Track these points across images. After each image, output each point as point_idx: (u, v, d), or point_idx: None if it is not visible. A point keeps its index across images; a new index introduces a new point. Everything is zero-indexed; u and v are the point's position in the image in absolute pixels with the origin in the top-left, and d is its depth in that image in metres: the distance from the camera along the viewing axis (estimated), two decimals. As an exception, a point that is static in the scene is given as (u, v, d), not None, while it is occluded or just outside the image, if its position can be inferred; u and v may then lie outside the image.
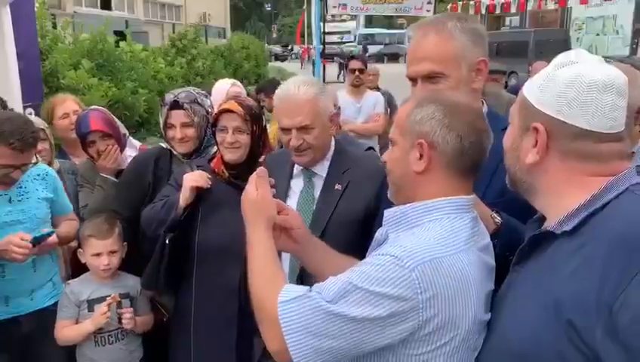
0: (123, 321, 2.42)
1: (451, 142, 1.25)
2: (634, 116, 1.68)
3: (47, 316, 2.49)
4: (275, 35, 63.59)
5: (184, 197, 2.23)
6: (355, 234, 1.91)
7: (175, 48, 12.27)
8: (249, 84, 20.30)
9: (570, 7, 20.60)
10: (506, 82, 19.88)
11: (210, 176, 2.29)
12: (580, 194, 1.10)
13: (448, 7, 24.04)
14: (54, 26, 8.98)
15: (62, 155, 3.28)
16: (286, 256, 2.00)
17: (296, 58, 41.58)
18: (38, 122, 2.89)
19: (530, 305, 1.10)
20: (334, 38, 45.72)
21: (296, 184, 2.14)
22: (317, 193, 2.09)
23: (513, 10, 20.05)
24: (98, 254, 2.43)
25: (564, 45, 18.27)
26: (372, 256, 1.22)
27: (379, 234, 1.38)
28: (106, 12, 27.55)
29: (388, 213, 1.33)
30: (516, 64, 16.91)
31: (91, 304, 2.43)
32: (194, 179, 2.25)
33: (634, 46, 20.89)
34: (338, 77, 24.39)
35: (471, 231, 1.26)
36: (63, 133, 3.23)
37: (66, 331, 2.43)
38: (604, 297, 0.97)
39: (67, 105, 3.25)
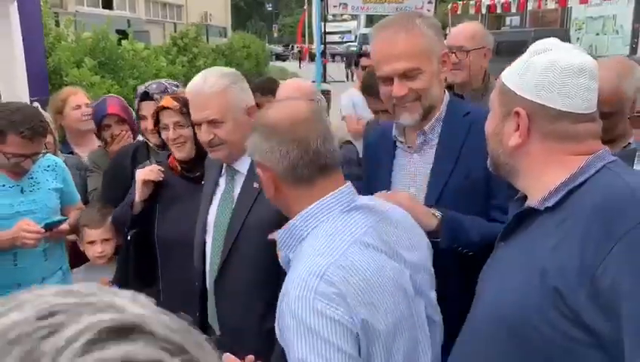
0: None
1: (280, 161, 1.26)
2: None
3: None
4: (276, 35, 63.64)
5: (138, 193, 2.26)
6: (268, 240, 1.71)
7: (176, 47, 12.35)
8: (250, 82, 20.34)
9: (571, 7, 20.62)
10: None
11: (162, 170, 2.28)
12: (560, 173, 1.16)
13: (449, 6, 24.10)
14: (57, 24, 9.06)
15: (65, 148, 3.33)
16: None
17: (301, 59, 41.55)
18: (44, 115, 2.97)
19: (517, 273, 1.16)
20: (335, 38, 45.76)
21: (223, 182, 2.03)
22: (236, 192, 1.95)
23: (513, 9, 20.11)
24: (92, 242, 2.55)
25: (564, 45, 18.32)
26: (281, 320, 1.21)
27: (281, 260, 1.39)
28: (107, 11, 27.61)
29: (279, 235, 1.35)
30: (516, 63, 16.97)
31: None
32: (145, 173, 2.26)
33: (634, 45, 20.93)
34: (348, 77, 24.15)
35: (350, 227, 1.27)
36: (75, 123, 3.28)
37: None
38: (585, 265, 1.04)
39: (79, 97, 3.31)
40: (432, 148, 1.76)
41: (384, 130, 1.94)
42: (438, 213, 1.58)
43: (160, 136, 2.52)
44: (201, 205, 2.07)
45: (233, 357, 1.35)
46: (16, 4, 3.42)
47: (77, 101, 3.27)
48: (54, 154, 2.90)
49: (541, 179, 1.20)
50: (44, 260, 2.53)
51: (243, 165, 1.95)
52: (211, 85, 1.87)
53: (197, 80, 1.92)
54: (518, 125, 1.19)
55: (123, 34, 10.32)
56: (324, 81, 16.58)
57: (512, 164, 1.24)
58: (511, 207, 1.34)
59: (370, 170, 1.96)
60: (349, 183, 1.35)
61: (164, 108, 2.23)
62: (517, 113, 1.18)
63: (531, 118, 1.17)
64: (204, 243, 2.01)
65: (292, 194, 1.31)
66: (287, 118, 1.30)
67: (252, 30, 43.03)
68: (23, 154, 2.32)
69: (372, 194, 1.74)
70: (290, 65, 35.54)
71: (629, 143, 2.23)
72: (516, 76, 1.20)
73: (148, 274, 2.35)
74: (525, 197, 1.28)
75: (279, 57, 43.35)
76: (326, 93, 12.87)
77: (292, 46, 44.69)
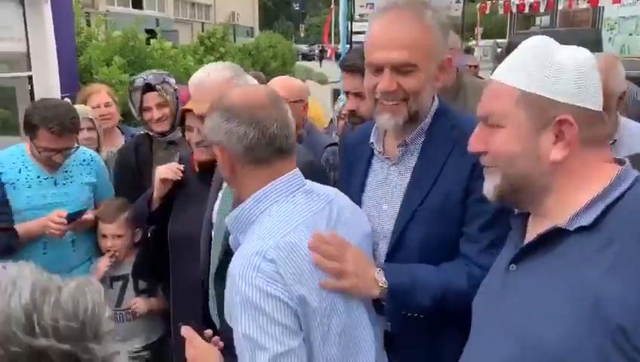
0: (133, 307, 2.59)
1: (239, 143, 1.30)
2: (616, 102, 1.66)
3: None
4: (302, 35, 63.83)
5: (156, 189, 2.27)
6: None
7: (204, 46, 12.52)
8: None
9: (603, 7, 20.22)
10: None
11: (182, 169, 2.28)
12: (591, 186, 1.03)
13: (477, 6, 23.83)
14: (88, 24, 9.30)
15: None
16: None
17: (322, 58, 41.43)
18: (88, 112, 3.06)
19: (558, 303, 0.99)
20: (362, 38, 45.61)
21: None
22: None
23: (542, 9, 19.82)
24: (105, 236, 2.61)
25: (596, 45, 17.94)
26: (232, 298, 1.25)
27: (231, 242, 1.44)
28: (137, 11, 28.10)
29: (229, 218, 1.39)
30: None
31: (111, 281, 2.62)
32: (164, 171, 2.26)
33: (668, 46, 20.41)
34: None
35: (298, 210, 1.32)
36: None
37: None
38: None
39: (101, 96, 3.37)
40: (412, 161, 1.56)
41: (365, 132, 1.71)
42: (383, 282, 1.40)
43: (161, 122, 2.66)
44: (209, 200, 2.10)
45: (192, 331, 1.41)
46: (49, 4, 3.55)
47: (97, 100, 3.34)
48: (97, 149, 3.01)
49: (571, 195, 1.05)
50: (72, 251, 2.61)
51: None
52: (214, 78, 1.89)
53: (200, 74, 1.94)
54: (557, 136, 1.04)
55: (152, 33, 10.51)
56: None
57: (548, 182, 1.07)
58: (513, 223, 1.19)
59: (344, 177, 1.82)
60: (297, 168, 1.39)
61: (190, 110, 2.20)
62: (562, 122, 1.03)
63: (577, 124, 1.03)
64: (210, 238, 2.03)
65: (248, 175, 1.34)
66: (247, 101, 1.33)
67: (279, 30, 43.24)
68: (54, 148, 2.42)
69: None
70: (316, 64, 35.62)
71: (615, 140, 2.19)
72: (545, 80, 1.05)
73: (162, 269, 2.39)
74: (528, 214, 1.15)
75: (305, 57, 43.47)
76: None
77: (320, 46, 44.70)
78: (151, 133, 2.71)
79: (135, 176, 2.73)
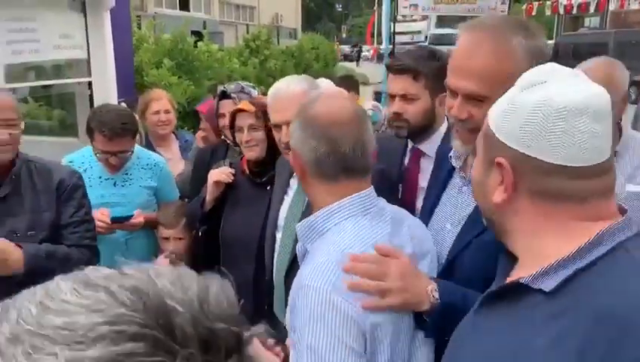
0: None
1: (309, 154, 1.32)
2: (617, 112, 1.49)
3: None
4: (345, 35, 63.88)
5: (209, 192, 2.39)
6: None
7: (249, 49, 12.73)
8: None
9: (656, 7, 19.51)
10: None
11: (234, 172, 2.39)
12: (561, 243, 0.92)
13: (523, 7, 23.34)
14: (139, 27, 9.61)
15: (148, 147, 3.53)
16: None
17: (359, 58, 41.26)
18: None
19: (502, 359, 0.94)
20: (405, 39, 45.37)
21: (295, 183, 2.08)
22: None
23: (591, 10, 19.28)
24: (166, 238, 2.73)
25: (648, 47, 17.45)
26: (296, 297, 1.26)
27: (298, 249, 1.45)
28: (184, 13, 28.73)
29: (299, 226, 1.40)
30: (594, 66, 16.31)
31: None
32: (216, 174, 2.38)
33: None
34: None
35: (371, 229, 1.31)
36: (152, 127, 3.53)
37: None
38: None
39: (161, 103, 3.50)
40: None
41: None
42: (436, 299, 1.33)
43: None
44: (272, 202, 2.20)
45: None
46: (109, 12, 3.73)
47: (157, 107, 3.48)
48: None
49: (535, 246, 0.96)
50: (125, 250, 2.74)
51: None
52: (292, 89, 1.99)
53: (279, 84, 2.05)
54: (503, 178, 0.96)
55: (198, 35, 10.76)
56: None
57: (499, 221, 1.02)
58: (500, 261, 1.09)
59: (428, 185, 1.88)
60: (372, 187, 1.38)
61: (240, 110, 2.36)
62: (499, 164, 0.95)
63: (517, 171, 0.94)
64: (274, 239, 2.12)
65: (316, 186, 1.36)
66: (326, 115, 1.32)
67: (321, 31, 43.42)
68: (108, 151, 2.56)
69: (421, 215, 1.74)
70: (362, 65, 35.58)
71: (616, 151, 2.07)
72: (500, 117, 0.97)
73: (210, 268, 2.50)
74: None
75: (347, 57, 43.49)
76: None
77: (360, 47, 44.63)
78: (227, 141, 2.83)
79: (204, 176, 2.85)
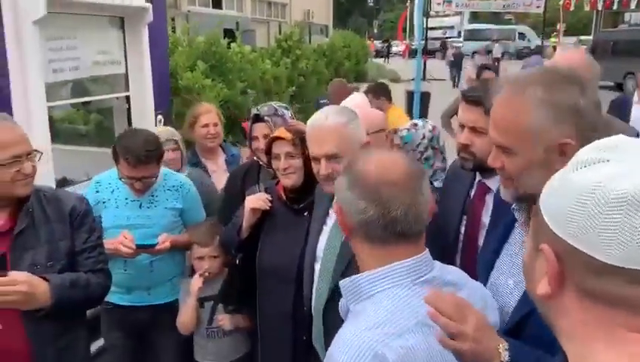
0: (219, 323, 2.69)
1: (356, 215, 1.22)
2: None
3: (162, 311, 2.80)
4: (376, 31, 63.50)
5: (245, 219, 2.36)
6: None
7: (281, 49, 12.76)
8: (348, 82, 20.57)
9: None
10: (621, 84, 18.52)
11: (270, 199, 2.36)
12: (612, 357, 0.77)
13: (560, 2, 22.81)
14: (173, 30, 9.72)
15: (194, 158, 3.63)
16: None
17: (389, 55, 40.83)
18: (174, 134, 3.25)
19: None
20: (437, 34, 44.87)
21: (333, 216, 2.06)
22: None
23: (633, 5, 18.72)
24: (201, 258, 2.70)
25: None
26: None
27: (341, 304, 1.38)
28: (216, 11, 28.98)
29: (343, 284, 1.32)
30: (635, 64, 15.84)
31: (201, 301, 2.70)
32: (254, 201, 2.35)
33: None
34: (455, 82, 21.71)
35: (417, 304, 1.19)
36: (201, 139, 3.58)
37: (180, 316, 2.71)
38: None
39: (210, 116, 3.56)
40: None
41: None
42: (506, 358, 1.25)
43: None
44: (311, 232, 2.19)
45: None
46: (147, 28, 3.77)
47: (206, 120, 3.53)
48: (180, 169, 3.18)
49: (586, 356, 0.80)
50: (149, 271, 2.76)
51: None
52: (332, 122, 1.98)
53: (318, 116, 2.04)
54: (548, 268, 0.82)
55: (231, 34, 10.82)
56: (424, 78, 16.25)
57: (546, 315, 0.86)
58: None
59: (487, 231, 1.85)
60: (425, 251, 1.27)
61: (277, 138, 2.34)
62: (543, 251, 0.81)
63: (564, 263, 0.78)
64: (313, 269, 2.12)
65: (362, 247, 1.27)
66: (376, 175, 1.22)
67: (352, 27, 43.25)
68: (132, 176, 2.59)
69: (480, 260, 1.68)
70: (392, 61, 35.35)
71: None
72: (547, 196, 0.83)
73: (247, 295, 2.49)
74: None
75: (378, 54, 43.25)
76: (426, 96, 12.72)
77: (389, 43, 44.26)
78: (260, 162, 2.83)
79: (239, 201, 2.80)
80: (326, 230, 2.11)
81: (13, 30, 2.86)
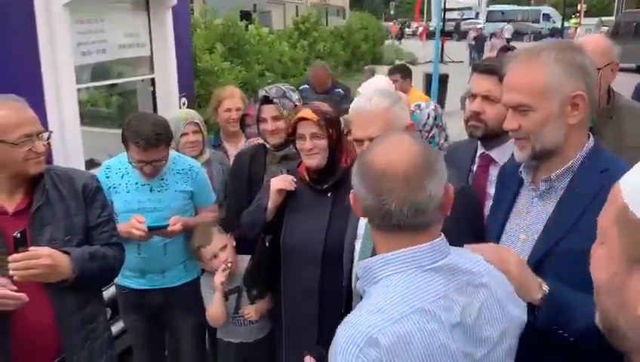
0: (246, 317, 2.68)
1: (360, 201, 1.24)
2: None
3: (176, 293, 2.84)
4: (392, 12, 62.79)
5: (271, 200, 2.37)
6: None
7: (298, 31, 12.72)
8: (365, 64, 20.49)
9: None
10: (642, 67, 18.14)
11: (295, 180, 2.38)
12: None
13: (582, -18, 22.32)
14: (191, 11, 9.74)
15: (216, 140, 3.69)
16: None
17: (402, 37, 40.29)
18: (195, 116, 3.25)
19: None
20: (454, 15, 44.27)
21: None
22: None
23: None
24: (214, 256, 2.66)
25: None
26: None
27: (358, 286, 1.36)
28: (232, -8, 28.75)
29: (359, 266, 1.31)
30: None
31: (227, 294, 2.67)
32: (280, 183, 2.37)
33: None
34: (471, 61, 21.63)
35: (423, 290, 1.17)
36: (223, 123, 3.62)
37: (210, 310, 2.67)
38: None
39: (234, 101, 3.58)
40: (556, 198, 1.58)
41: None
42: (545, 288, 1.39)
43: (275, 134, 2.70)
44: (352, 212, 2.20)
45: None
46: (171, 11, 3.80)
47: (229, 105, 3.56)
48: (201, 152, 3.20)
49: None
50: (163, 254, 2.79)
51: None
52: (375, 105, 1.99)
53: (361, 100, 2.05)
54: None
55: (247, 16, 10.80)
56: (442, 61, 16.08)
57: (636, 336, 0.76)
58: None
59: (494, 202, 1.89)
60: (437, 239, 1.23)
61: (302, 119, 2.33)
62: None
63: None
64: (353, 247, 2.13)
65: (374, 233, 1.27)
66: (379, 165, 1.20)
67: (369, 8, 42.79)
68: (142, 160, 2.61)
69: (488, 228, 1.75)
70: (405, 43, 35.00)
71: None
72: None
73: (272, 277, 2.51)
74: None
75: (396, 36, 42.80)
76: (444, 78, 12.59)
77: (408, 23, 43.77)
78: (267, 145, 2.85)
79: (246, 184, 2.86)
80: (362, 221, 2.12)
81: (45, 12, 2.90)
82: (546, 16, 38.14)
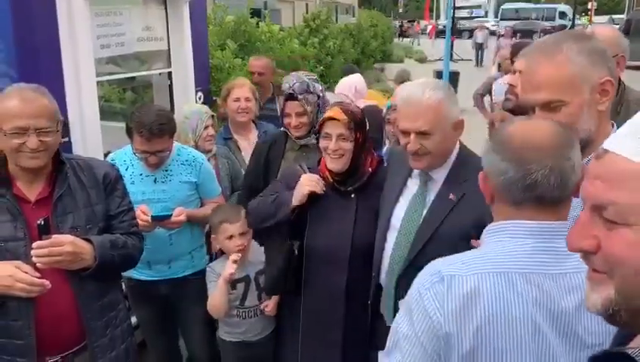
0: (266, 311, 2.67)
1: (497, 177, 1.23)
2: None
3: (183, 284, 2.87)
4: (401, 10, 62.58)
5: (297, 199, 2.27)
6: (461, 249, 1.57)
7: (309, 28, 12.71)
8: (375, 61, 20.46)
9: None
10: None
11: (324, 183, 2.30)
12: None
13: (593, -20, 22.14)
14: (203, 9, 9.76)
15: (226, 132, 3.66)
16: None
17: (402, 34, 40.01)
18: (208, 111, 3.27)
19: None
20: (464, 13, 44.06)
21: (413, 184, 2.11)
22: (429, 198, 2.04)
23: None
24: (231, 237, 2.64)
25: None
26: None
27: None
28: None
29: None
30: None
31: (235, 283, 2.67)
32: (310, 183, 2.26)
33: None
34: (479, 61, 21.65)
35: (528, 256, 1.18)
36: (232, 113, 3.61)
37: (211, 299, 2.66)
38: None
39: (243, 90, 3.57)
40: None
41: None
42: None
43: (298, 129, 2.71)
44: (383, 202, 2.17)
45: None
46: (187, 5, 3.81)
47: (238, 94, 3.55)
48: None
49: None
50: (169, 244, 2.80)
51: (440, 174, 2.03)
52: (428, 97, 1.93)
53: (413, 89, 1.99)
54: None
55: (257, 14, 10.80)
56: (451, 58, 16.03)
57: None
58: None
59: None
60: (563, 222, 1.23)
61: (331, 118, 2.25)
62: None
63: None
64: (385, 237, 2.12)
65: (501, 212, 1.27)
66: (522, 138, 1.22)
67: (377, 6, 42.68)
68: (146, 150, 2.64)
69: None
70: (415, 41, 34.88)
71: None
72: None
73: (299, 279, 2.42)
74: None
75: (403, 34, 42.65)
76: (455, 75, 12.57)
77: (416, 21, 43.58)
78: (289, 133, 2.85)
79: (263, 168, 2.88)
80: (402, 201, 2.11)
81: (65, 5, 2.91)
82: (562, 14, 37.71)
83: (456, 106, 2.03)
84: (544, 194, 1.19)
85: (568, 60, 1.49)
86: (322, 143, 2.28)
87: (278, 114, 2.98)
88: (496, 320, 1.14)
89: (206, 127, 3.16)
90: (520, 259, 1.18)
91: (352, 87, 4.79)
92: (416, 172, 2.10)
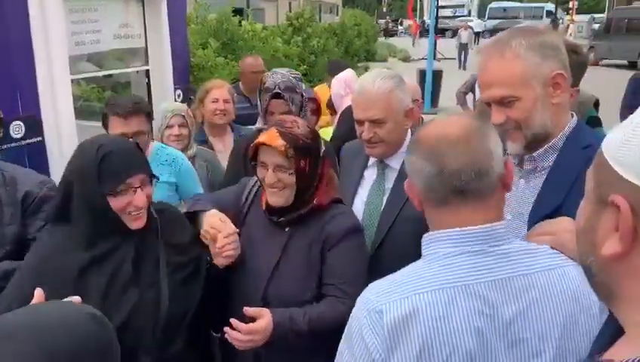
0: None
1: (418, 177, 1.22)
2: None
3: None
4: (385, 10, 62.80)
5: (220, 263, 1.85)
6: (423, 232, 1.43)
7: (292, 27, 12.68)
8: (359, 60, 20.51)
9: None
10: (636, 63, 18.28)
11: (249, 207, 1.99)
12: None
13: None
14: (184, 7, 9.68)
15: (201, 135, 3.46)
16: None
17: (405, 33, 40.47)
18: (182, 109, 3.17)
19: None
20: (447, 12, 44.33)
21: (370, 174, 2.16)
22: (388, 186, 2.09)
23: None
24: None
25: None
26: None
27: None
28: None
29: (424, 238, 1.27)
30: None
31: None
32: (220, 253, 1.82)
33: None
34: (461, 62, 21.20)
35: (467, 266, 1.15)
36: (209, 115, 3.45)
37: None
38: None
39: (222, 92, 3.43)
40: (541, 177, 1.60)
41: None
42: None
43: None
44: (345, 195, 2.09)
45: None
46: (166, 3, 3.76)
47: (216, 95, 3.40)
48: (187, 146, 3.10)
49: None
50: None
51: (395, 161, 2.09)
52: (378, 87, 2.00)
53: (366, 81, 2.05)
54: (619, 223, 0.73)
55: (239, 13, 10.75)
56: (435, 57, 16.14)
57: (604, 281, 0.78)
58: (607, 323, 0.89)
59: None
60: (494, 224, 1.18)
61: (264, 144, 1.80)
62: (614, 204, 0.73)
63: (639, 215, 0.71)
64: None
65: (431, 215, 1.24)
66: (434, 134, 1.21)
67: (361, 5, 42.78)
68: (124, 133, 2.46)
69: None
70: (399, 40, 35.03)
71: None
72: (618, 143, 0.74)
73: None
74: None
75: (387, 33, 42.82)
76: (438, 74, 12.60)
77: (401, 20, 43.82)
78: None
79: (241, 162, 2.74)
80: (362, 192, 2.14)
81: (38, 1, 2.85)
82: (550, 13, 38.03)
83: (407, 95, 2.10)
84: (465, 187, 1.16)
85: (517, 56, 1.51)
86: (259, 172, 1.87)
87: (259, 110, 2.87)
88: (438, 340, 1.10)
89: (170, 127, 3.06)
90: (458, 271, 1.14)
91: (343, 84, 4.52)
92: (372, 162, 2.16)
